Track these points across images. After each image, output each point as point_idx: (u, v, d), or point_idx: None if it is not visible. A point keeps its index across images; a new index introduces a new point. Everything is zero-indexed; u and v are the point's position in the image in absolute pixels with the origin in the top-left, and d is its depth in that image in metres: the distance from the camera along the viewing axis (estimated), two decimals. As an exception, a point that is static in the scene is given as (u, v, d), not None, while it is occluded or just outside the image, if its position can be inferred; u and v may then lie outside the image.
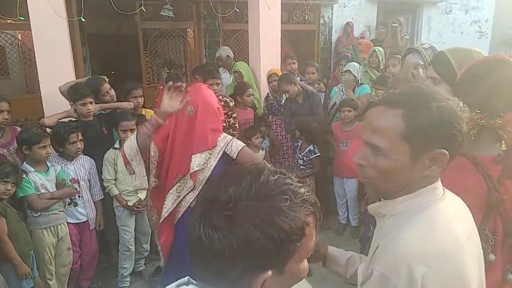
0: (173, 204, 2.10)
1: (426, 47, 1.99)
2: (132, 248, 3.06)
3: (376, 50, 4.46)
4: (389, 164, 0.92)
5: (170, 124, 2.03)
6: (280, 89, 3.96)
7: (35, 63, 3.46)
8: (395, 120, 0.90)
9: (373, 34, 6.92)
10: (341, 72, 4.29)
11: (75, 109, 2.96)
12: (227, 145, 2.08)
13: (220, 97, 3.61)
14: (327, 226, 3.96)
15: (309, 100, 3.96)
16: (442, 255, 0.85)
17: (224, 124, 3.68)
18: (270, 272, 0.64)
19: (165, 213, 2.11)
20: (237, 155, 2.05)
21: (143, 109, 3.53)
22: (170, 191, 2.10)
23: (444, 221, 0.91)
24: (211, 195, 0.66)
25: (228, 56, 4.97)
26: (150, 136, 1.91)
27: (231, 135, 3.52)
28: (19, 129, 3.03)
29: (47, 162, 2.69)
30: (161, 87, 4.36)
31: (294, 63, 4.56)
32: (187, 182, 2.08)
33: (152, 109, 3.65)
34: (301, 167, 3.80)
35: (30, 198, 2.50)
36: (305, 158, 3.77)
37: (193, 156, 2.03)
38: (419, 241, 0.87)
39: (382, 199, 1.00)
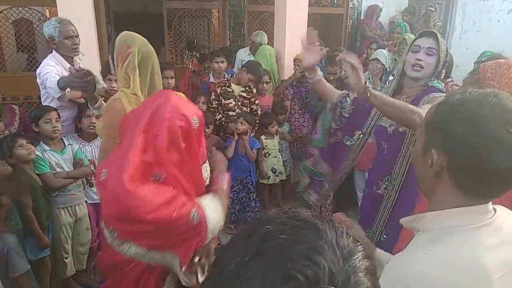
0: None
1: (439, 35, 1.89)
2: None
3: (406, 37, 4.28)
4: (413, 147, 0.93)
5: None
6: (330, 68, 3.85)
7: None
8: (433, 107, 0.88)
9: (401, 20, 6.64)
10: (369, 60, 4.15)
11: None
12: None
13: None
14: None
15: (341, 88, 3.84)
16: (450, 286, 0.75)
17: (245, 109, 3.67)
18: None
19: None
20: None
21: (173, 92, 3.48)
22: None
23: (473, 250, 0.78)
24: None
25: (260, 44, 4.86)
26: None
27: (254, 121, 3.45)
28: (16, 108, 3.05)
29: (65, 141, 2.70)
30: (186, 70, 4.34)
31: (321, 50, 4.41)
32: None
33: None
34: (322, 156, 3.72)
35: (44, 176, 2.51)
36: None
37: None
38: (428, 265, 0.78)
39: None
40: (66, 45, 2.70)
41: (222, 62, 3.94)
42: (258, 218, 0.52)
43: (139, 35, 1.93)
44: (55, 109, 2.63)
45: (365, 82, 1.71)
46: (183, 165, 1.52)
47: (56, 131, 2.58)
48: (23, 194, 2.35)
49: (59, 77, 2.48)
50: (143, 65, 1.86)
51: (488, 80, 1.49)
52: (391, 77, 2.05)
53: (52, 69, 2.61)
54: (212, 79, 4.06)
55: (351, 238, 0.49)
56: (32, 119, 2.57)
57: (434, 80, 1.88)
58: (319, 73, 2.02)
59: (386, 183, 1.98)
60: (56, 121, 2.58)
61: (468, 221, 0.82)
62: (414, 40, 1.93)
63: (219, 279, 0.47)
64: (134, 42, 1.85)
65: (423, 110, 1.67)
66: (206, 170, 1.81)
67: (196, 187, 1.63)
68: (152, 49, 1.92)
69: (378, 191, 2.02)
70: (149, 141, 1.44)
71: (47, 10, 5.42)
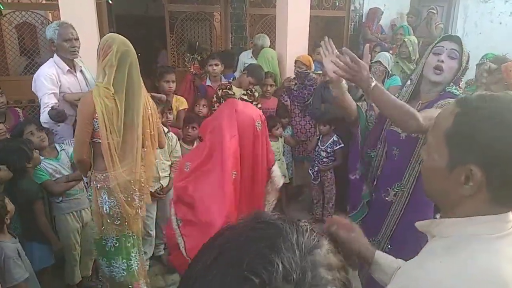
0: None
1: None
2: (153, 233, 3.08)
3: (406, 40, 4.28)
4: (428, 161, 0.85)
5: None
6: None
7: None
8: (448, 116, 0.81)
9: (404, 22, 6.64)
10: (371, 63, 4.14)
11: None
12: None
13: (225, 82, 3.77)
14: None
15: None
16: None
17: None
18: None
19: None
20: None
21: (174, 95, 3.49)
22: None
23: (493, 261, 0.74)
24: None
25: (263, 47, 4.86)
26: None
27: None
28: (19, 111, 3.06)
29: (57, 148, 2.70)
30: (187, 73, 4.35)
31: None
32: None
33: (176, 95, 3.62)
34: (324, 159, 3.72)
35: (45, 184, 2.52)
36: (328, 149, 3.69)
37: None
38: (443, 274, 0.74)
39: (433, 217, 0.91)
40: (65, 48, 2.74)
41: (216, 65, 3.92)
42: (227, 224, 0.53)
43: (121, 36, 2.14)
44: (33, 122, 2.64)
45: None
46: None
47: (43, 140, 2.59)
48: (34, 200, 2.37)
49: (50, 107, 2.60)
50: (121, 62, 2.04)
51: None
52: (408, 82, 1.99)
53: (46, 87, 2.66)
54: (209, 83, 4.06)
55: (315, 235, 0.49)
56: (15, 137, 2.55)
57: (452, 86, 1.80)
58: (345, 86, 1.90)
59: (395, 189, 1.91)
60: (38, 130, 2.57)
61: (490, 230, 0.78)
62: (436, 43, 1.85)
63: (184, 285, 0.48)
64: (115, 42, 2.05)
65: (427, 112, 1.64)
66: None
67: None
68: (132, 48, 2.10)
69: (387, 198, 1.95)
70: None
71: (50, 14, 5.44)
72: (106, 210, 2.21)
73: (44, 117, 2.60)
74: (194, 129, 3.21)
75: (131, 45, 2.11)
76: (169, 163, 3.05)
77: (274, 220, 0.49)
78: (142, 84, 2.22)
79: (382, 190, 1.97)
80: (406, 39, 4.28)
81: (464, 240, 0.78)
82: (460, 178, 0.78)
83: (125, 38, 2.12)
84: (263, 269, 0.42)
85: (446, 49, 1.78)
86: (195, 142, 3.29)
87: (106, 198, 2.20)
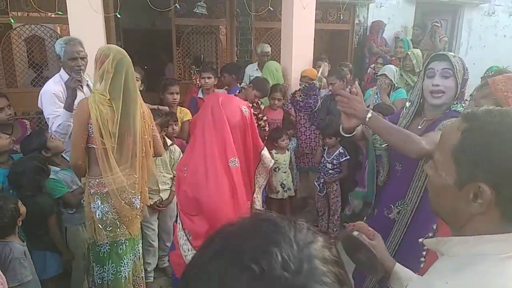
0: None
1: (453, 55, 1.82)
2: (155, 244, 3.08)
3: (410, 53, 4.31)
4: (436, 178, 0.84)
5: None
6: (329, 79, 3.89)
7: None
8: (455, 132, 0.79)
9: (409, 35, 6.70)
10: (376, 76, 4.17)
11: None
12: None
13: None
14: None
15: None
16: None
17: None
18: None
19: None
20: None
21: (178, 107, 3.53)
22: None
23: (499, 282, 0.72)
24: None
25: (263, 53, 4.92)
26: None
27: (262, 137, 3.53)
28: (28, 123, 3.08)
29: (66, 158, 2.69)
30: (192, 85, 4.39)
31: (325, 66, 4.47)
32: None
33: (182, 106, 3.65)
34: (330, 171, 3.71)
35: (65, 196, 2.53)
36: (334, 161, 3.69)
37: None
38: None
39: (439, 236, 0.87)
40: (70, 65, 2.77)
41: (209, 78, 3.93)
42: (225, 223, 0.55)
43: (117, 46, 2.30)
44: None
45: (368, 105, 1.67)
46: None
47: (60, 146, 2.62)
48: (49, 215, 2.40)
49: (59, 113, 2.65)
50: (117, 69, 2.12)
51: (501, 92, 1.47)
52: (408, 103, 1.98)
53: (51, 109, 2.70)
54: (200, 95, 4.09)
55: (312, 232, 0.51)
56: (27, 153, 2.53)
57: (457, 104, 1.78)
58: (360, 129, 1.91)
59: (398, 207, 1.88)
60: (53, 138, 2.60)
61: (497, 249, 0.75)
62: (427, 65, 1.84)
63: (186, 276, 0.50)
64: (111, 51, 2.15)
65: (429, 136, 1.63)
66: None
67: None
68: (128, 57, 2.19)
69: (390, 216, 1.91)
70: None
71: (59, 27, 5.54)
72: (98, 215, 2.24)
73: (53, 130, 2.65)
74: None
75: (126, 54, 2.20)
76: (171, 176, 3.04)
77: (273, 218, 0.52)
78: (138, 92, 2.30)
79: (384, 208, 1.94)
80: (409, 52, 4.30)
81: (471, 260, 0.76)
82: (469, 195, 0.76)
83: (120, 48, 2.24)
84: (263, 259, 0.44)
85: (437, 70, 1.77)
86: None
87: (99, 203, 2.23)
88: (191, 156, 2.00)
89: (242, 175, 1.99)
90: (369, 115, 1.62)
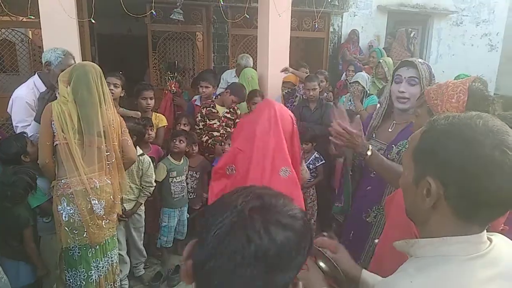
0: None
1: (422, 62, 1.90)
2: (123, 253, 2.93)
3: (381, 61, 4.44)
4: (402, 178, 0.89)
5: None
6: (309, 84, 3.90)
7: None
8: (417, 135, 0.85)
9: (382, 43, 6.90)
10: (350, 83, 4.27)
11: None
12: None
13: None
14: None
15: (321, 109, 3.91)
16: None
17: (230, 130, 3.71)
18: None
19: None
20: None
21: (153, 113, 3.51)
22: None
23: (462, 283, 0.75)
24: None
25: (246, 67, 4.95)
26: None
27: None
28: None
29: None
30: (166, 91, 4.36)
31: (307, 73, 4.57)
32: None
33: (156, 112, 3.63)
34: (305, 175, 3.76)
35: (43, 206, 2.48)
36: (311, 166, 3.74)
37: None
38: None
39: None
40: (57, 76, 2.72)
41: (207, 87, 3.93)
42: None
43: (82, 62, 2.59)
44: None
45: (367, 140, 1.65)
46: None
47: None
48: (25, 227, 2.33)
49: (29, 123, 2.65)
50: (78, 76, 2.29)
51: (432, 100, 1.54)
52: (378, 105, 2.05)
53: (20, 118, 2.67)
54: (198, 102, 4.09)
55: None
56: (10, 163, 2.45)
57: None
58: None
59: (375, 211, 1.93)
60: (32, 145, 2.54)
61: (461, 251, 0.78)
62: (395, 70, 1.93)
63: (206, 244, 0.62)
64: (75, 64, 2.44)
65: None
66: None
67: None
68: (92, 66, 2.37)
69: (367, 219, 1.95)
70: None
71: (30, 32, 5.42)
72: (65, 218, 2.22)
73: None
74: (182, 142, 3.23)
75: (91, 63, 2.40)
76: (136, 186, 2.95)
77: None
78: (110, 99, 2.40)
79: (362, 211, 1.99)
80: (381, 60, 4.44)
81: (436, 260, 0.78)
82: (423, 191, 0.80)
83: (88, 61, 2.49)
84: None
85: (405, 77, 1.86)
86: (181, 157, 3.31)
87: (65, 205, 2.22)
88: (236, 159, 1.85)
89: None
90: (369, 152, 1.62)
